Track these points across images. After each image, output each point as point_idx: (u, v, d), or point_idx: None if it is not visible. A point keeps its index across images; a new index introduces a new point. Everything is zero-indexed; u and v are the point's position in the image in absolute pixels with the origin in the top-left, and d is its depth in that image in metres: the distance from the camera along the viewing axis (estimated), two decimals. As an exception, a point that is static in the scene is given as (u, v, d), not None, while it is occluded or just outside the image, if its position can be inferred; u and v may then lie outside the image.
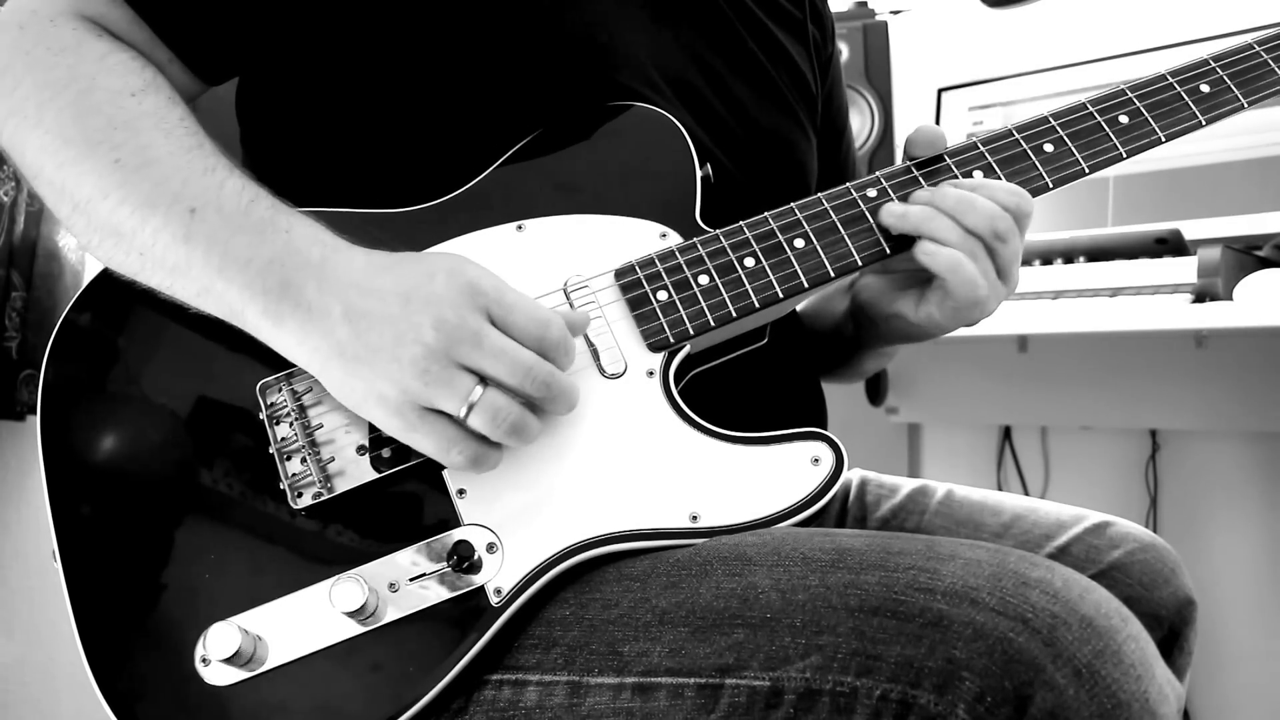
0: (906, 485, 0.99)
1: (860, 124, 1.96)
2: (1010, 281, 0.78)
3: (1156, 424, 1.94)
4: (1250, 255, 1.40)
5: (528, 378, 0.64)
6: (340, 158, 0.82)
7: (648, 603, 0.65)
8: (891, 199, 0.78)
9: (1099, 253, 1.56)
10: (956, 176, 0.79)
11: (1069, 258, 1.60)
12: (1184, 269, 1.43)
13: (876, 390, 1.88)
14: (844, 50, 1.96)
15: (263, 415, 0.71)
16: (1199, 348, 1.81)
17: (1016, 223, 0.76)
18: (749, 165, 0.87)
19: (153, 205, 0.67)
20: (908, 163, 0.80)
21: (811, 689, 0.58)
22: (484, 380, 0.63)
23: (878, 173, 0.80)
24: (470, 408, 0.63)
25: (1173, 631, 0.85)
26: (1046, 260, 1.62)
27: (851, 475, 1.02)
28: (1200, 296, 1.35)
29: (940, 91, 2.02)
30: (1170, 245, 1.51)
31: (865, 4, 2.05)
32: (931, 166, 0.80)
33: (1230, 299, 1.33)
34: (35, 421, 1.63)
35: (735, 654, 0.60)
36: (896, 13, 2.09)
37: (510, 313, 0.64)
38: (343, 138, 0.81)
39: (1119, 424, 1.98)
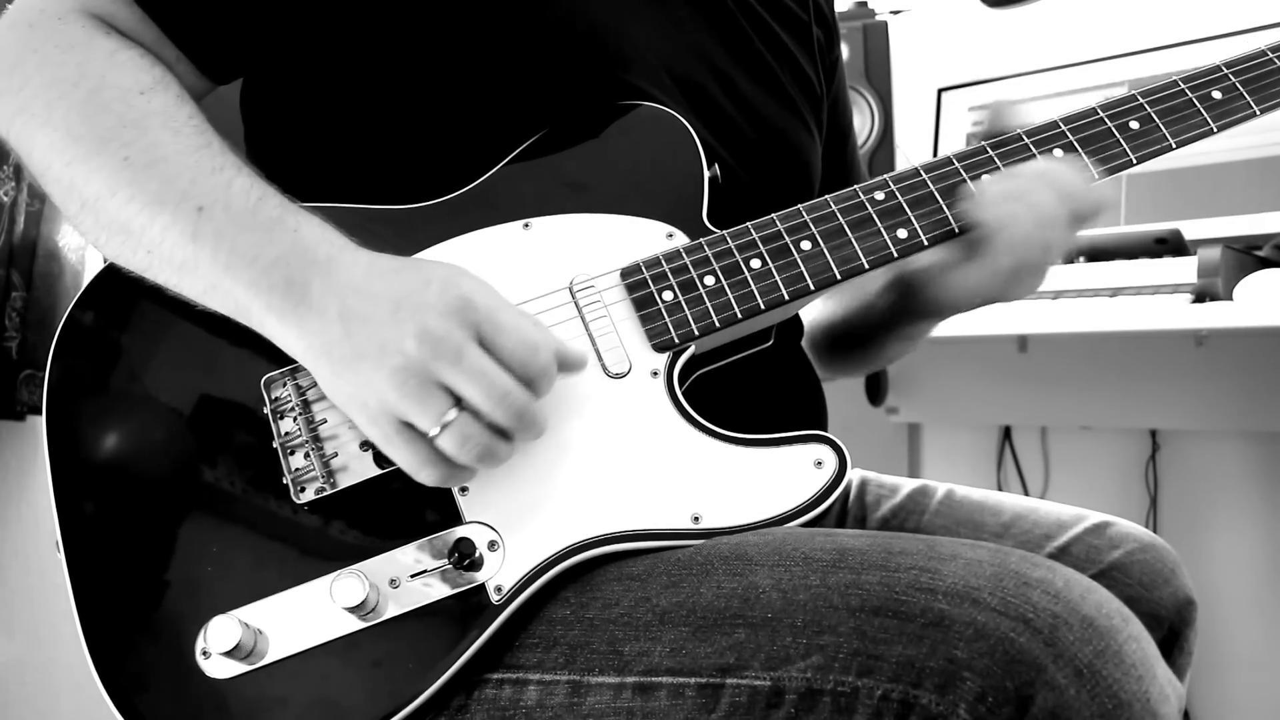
0: (906, 485, 0.99)
1: (860, 124, 1.96)
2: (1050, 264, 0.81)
3: (1156, 424, 1.94)
4: (1250, 255, 1.40)
5: (501, 404, 0.63)
6: (346, 155, 0.82)
7: (648, 602, 0.65)
8: (899, 202, 0.78)
9: (1099, 253, 1.57)
10: (964, 180, 0.79)
11: (1069, 258, 1.60)
12: (1184, 269, 1.43)
13: (876, 390, 1.88)
14: (844, 50, 1.96)
15: (267, 410, 0.71)
16: (1199, 348, 1.81)
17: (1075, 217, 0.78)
18: (755, 166, 0.87)
19: (161, 203, 0.67)
20: (914, 165, 0.80)
21: (813, 689, 0.58)
22: (460, 401, 0.63)
23: (885, 176, 0.79)
24: (442, 428, 0.62)
25: (1173, 632, 0.85)
26: (1046, 260, 1.62)
27: (852, 475, 1.02)
28: (1200, 296, 1.35)
29: (940, 91, 2.02)
30: (1170, 245, 1.51)
31: (865, 4, 2.05)
32: (939, 170, 0.79)
33: (1230, 299, 1.33)
34: (35, 421, 1.63)
35: (736, 654, 0.60)
36: (896, 13, 2.09)
37: (500, 333, 0.63)
38: (349, 135, 0.81)
39: (1119, 424, 1.98)
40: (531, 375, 0.64)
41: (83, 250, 1.71)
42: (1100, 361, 1.94)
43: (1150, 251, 1.52)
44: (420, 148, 0.80)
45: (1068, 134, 0.80)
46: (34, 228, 1.64)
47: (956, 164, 0.80)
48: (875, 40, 1.96)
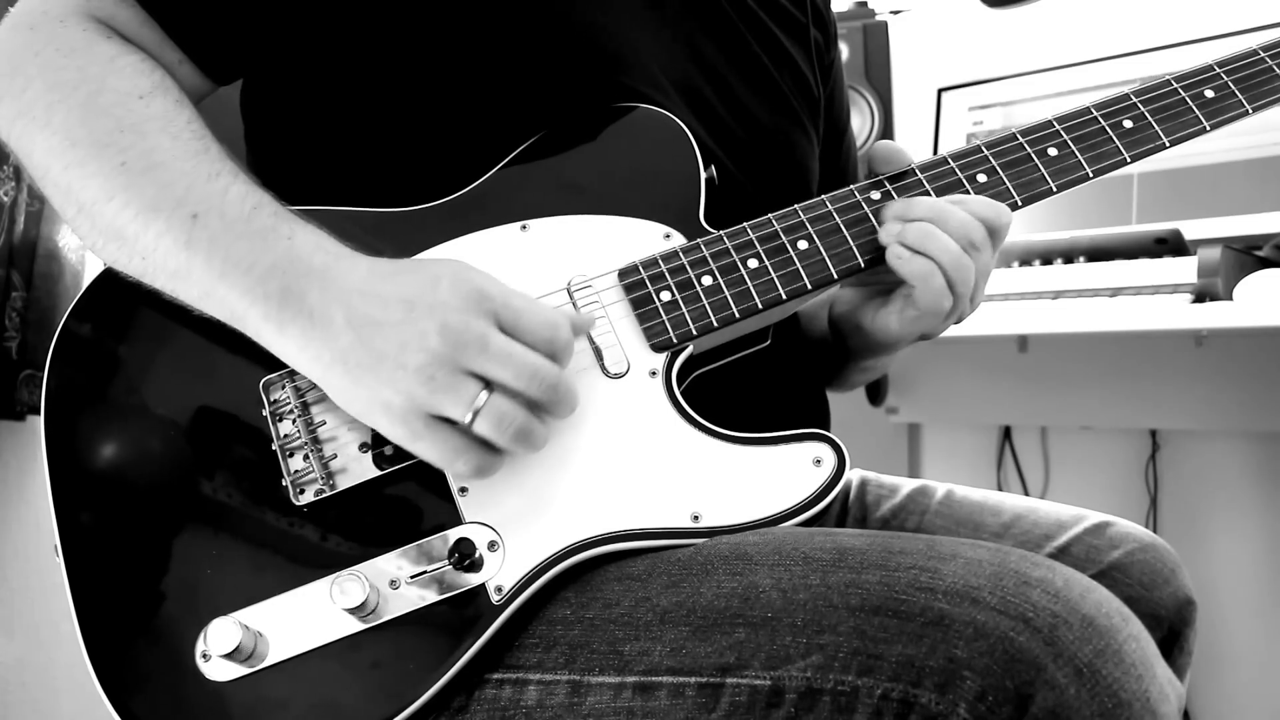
0: (907, 485, 0.99)
1: (860, 124, 1.96)
2: (978, 298, 0.78)
3: (1156, 424, 1.94)
4: (1250, 255, 1.40)
5: (534, 380, 0.63)
6: (346, 156, 0.82)
7: (649, 602, 0.65)
8: (895, 201, 0.78)
9: (1099, 253, 1.57)
10: (960, 179, 0.79)
11: (1069, 258, 1.60)
12: (1184, 269, 1.43)
13: (876, 390, 1.88)
14: (844, 50, 1.96)
15: (265, 412, 0.71)
16: (1199, 348, 1.81)
17: (990, 236, 0.76)
18: (752, 167, 0.87)
19: (156, 210, 0.67)
20: (910, 165, 0.80)
21: (813, 688, 0.58)
22: (489, 385, 0.63)
23: (881, 175, 0.80)
24: (475, 413, 0.62)
25: (1172, 631, 0.85)
26: (1046, 260, 1.62)
27: (851, 475, 1.02)
28: (1200, 296, 1.35)
29: (940, 91, 2.02)
30: (1170, 245, 1.51)
31: (865, 4, 2.05)
32: (936, 169, 0.80)
33: (1230, 299, 1.33)
34: (35, 421, 1.62)
35: (736, 653, 0.60)
36: (896, 13, 2.09)
37: (519, 316, 0.64)
38: (349, 136, 0.82)
39: (1119, 424, 1.98)
40: (557, 349, 0.65)
41: (83, 250, 1.71)
42: (1100, 361, 1.94)
43: (1150, 251, 1.52)
44: (419, 150, 0.80)
45: (1061, 133, 0.80)
46: (34, 228, 1.64)
47: (952, 163, 0.80)
48: (875, 40, 1.96)
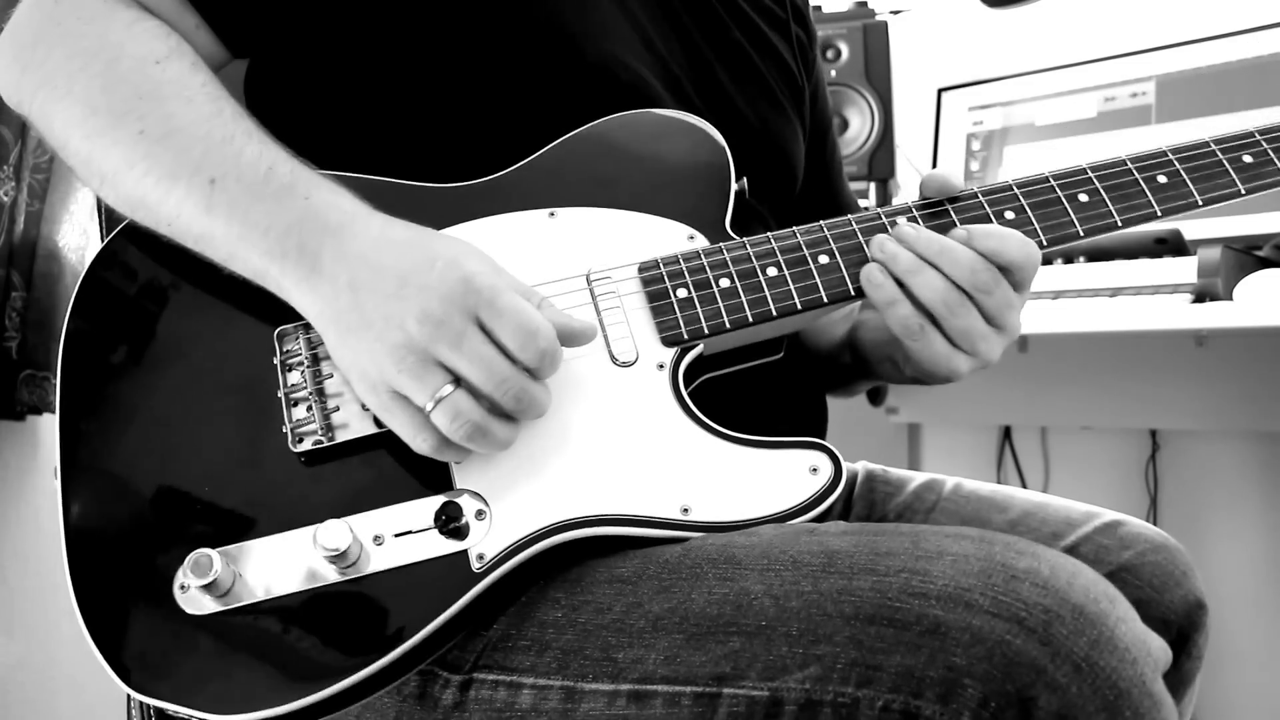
0: (915, 480, 0.98)
1: (860, 124, 1.96)
2: (1008, 329, 0.76)
3: (1156, 424, 1.94)
4: (1250, 255, 1.40)
5: (500, 388, 0.64)
6: (359, 141, 0.81)
7: (640, 607, 0.65)
8: (904, 225, 0.77)
9: (1099, 253, 1.56)
10: (988, 214, 0.78)
11: (1069, 258, 1.60)
12: (1184, 269, 1.43)
13: (876, 390, 1.88)
14: (844, 50, 1.97)
15: (276, 360, 0.72)
16: (1199, 348, 1.81)
17: (1007, 272, 0.74)
18: (738, 158, 0.87)
19: (174, 177, 0.69)
20: (942, 198, 0.78)
21: (812, 699, 0.58)
22: (458, 379, 0.64)
23: (909, 201, 0.79)
24: (436, 404, 0.64)
25: (1181, 635, 0.84)
26: (1046, 260, 1.61)
27: (857, 467, 1.02)
28: (1200, 296, 1.35)
29: (940, 91, 2.02)
30: (1170, 245, 1.51)
31: (865, 4, 2.05)
32: (961, 203, 0.79)
33: (1230, 299, 1.33)
34: (35, 421, 1.62)
35: (732, 663, 0.60)
36: (896, 13, 2.09)
37: (499, 316, 0.64)
38: (364, 120, 0.82)
39: (1119, 424, 1.98)
40: (529, 360, 0.64)
41: (83, 250, 1.71)
42: (1100, 361, 1.94)
43: (1150, 251, 1.52)
44: (432, 146, 0.80)
45: (1094, 180, 0.79)
46: (34, 228, 1.64)
47: (981, 197, 0.79)
48: (875, 40, 1.96)
